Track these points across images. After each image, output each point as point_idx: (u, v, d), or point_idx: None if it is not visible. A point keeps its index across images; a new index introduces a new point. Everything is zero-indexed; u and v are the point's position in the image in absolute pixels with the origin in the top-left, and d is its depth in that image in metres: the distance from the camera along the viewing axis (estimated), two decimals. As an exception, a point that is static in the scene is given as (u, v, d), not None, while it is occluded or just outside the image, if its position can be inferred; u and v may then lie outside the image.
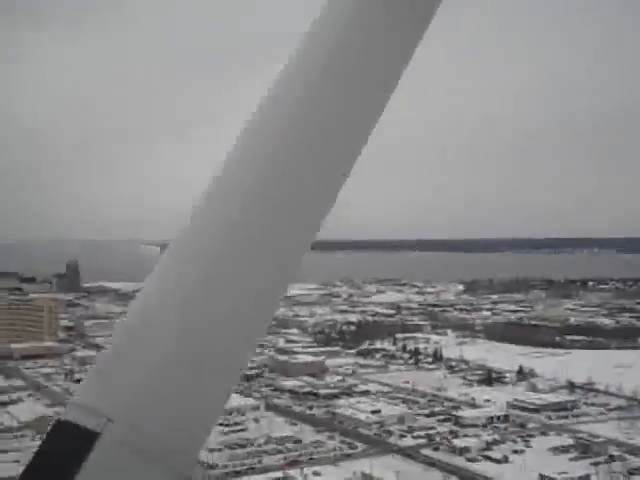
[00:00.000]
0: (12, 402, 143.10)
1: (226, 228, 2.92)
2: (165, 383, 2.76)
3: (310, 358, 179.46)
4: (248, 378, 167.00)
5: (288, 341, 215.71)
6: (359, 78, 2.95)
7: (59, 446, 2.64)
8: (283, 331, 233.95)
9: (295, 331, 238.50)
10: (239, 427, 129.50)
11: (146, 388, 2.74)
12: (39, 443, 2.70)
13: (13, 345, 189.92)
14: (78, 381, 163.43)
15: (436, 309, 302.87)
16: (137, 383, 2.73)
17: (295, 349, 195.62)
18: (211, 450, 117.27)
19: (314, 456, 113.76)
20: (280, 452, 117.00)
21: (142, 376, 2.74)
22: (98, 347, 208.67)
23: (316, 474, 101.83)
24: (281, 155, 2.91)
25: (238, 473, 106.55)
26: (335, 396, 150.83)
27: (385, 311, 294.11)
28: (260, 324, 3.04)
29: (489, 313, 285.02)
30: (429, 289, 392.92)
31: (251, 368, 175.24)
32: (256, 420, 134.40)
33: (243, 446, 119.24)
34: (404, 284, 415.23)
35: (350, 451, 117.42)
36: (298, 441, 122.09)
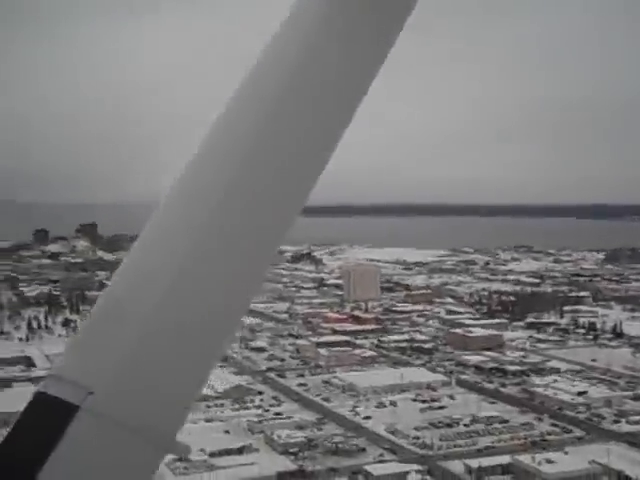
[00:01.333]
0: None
1: (209, 201, 2.86)
2: (146, 355, 2.72)
3: (487, 331, 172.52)
4: (426, 351, 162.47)
5: (449, 312, 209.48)
6: (334, 72, 2.94)
7: (38, 419, 2.60)
8: (437, 300, 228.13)
9: (450, 300, 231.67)
10: (437, 404, 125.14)
11: (126, 360, 2.70)
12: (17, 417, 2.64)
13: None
14: (253, 348, 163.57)
15: (581, 279, 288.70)
16: (117, 354, 2.69)
17: (463, 321, 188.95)
18: (417, 428, 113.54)
19: (535, 440, 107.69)
20: (491, 434, 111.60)
21: (123, 347, 2.69)
22: (255, 313, 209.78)
23: (549, 461, 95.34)
24: (255, 151, 2.89)
25: (461, 456, 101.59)
26: (524, 373, 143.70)
27: (528, 280, 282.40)
28: (244, 297, 2.99)
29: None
30: (564, 257, 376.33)
31: (424, 341, 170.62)
32: (451, 397, 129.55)
33: (449, 425, 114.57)
34: (539, 251, 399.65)
35: (567, 436, 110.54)
36: (504, 421, 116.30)
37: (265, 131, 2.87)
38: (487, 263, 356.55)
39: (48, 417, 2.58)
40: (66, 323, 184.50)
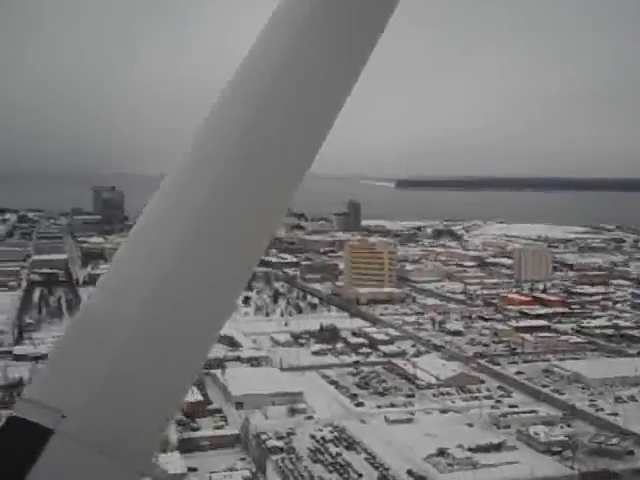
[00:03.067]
0: (415, 355, 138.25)
1: (190, 212, 2.83)
2: (121, 376, 2.69)
3: None
4: (637, 339, 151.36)
5: (635, 295, 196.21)
6: (322, 67, 2.95)
7: (10, 444, 2.55)
8: (614, 282, 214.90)
9: (624, 282, 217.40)
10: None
11: (100, 381, 2.67)
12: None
13: (360, 290, 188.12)
14: (449, 332, 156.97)
15: None
16: (90, 376, 2.67)
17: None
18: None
19: None
20: None
21: (96, 369, 2.67)
22: (428, 292, 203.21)
23: None
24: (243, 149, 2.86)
25: None
26: None
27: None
28: (219, 318, 2.94)
29: None
30: None
31: (630, 327, 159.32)
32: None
33: None
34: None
35: None
36: None
37: (248, 135, 2.83)
38: (636, 241, 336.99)
39: (21, 441, 2.53)
40: (245, 300, 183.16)
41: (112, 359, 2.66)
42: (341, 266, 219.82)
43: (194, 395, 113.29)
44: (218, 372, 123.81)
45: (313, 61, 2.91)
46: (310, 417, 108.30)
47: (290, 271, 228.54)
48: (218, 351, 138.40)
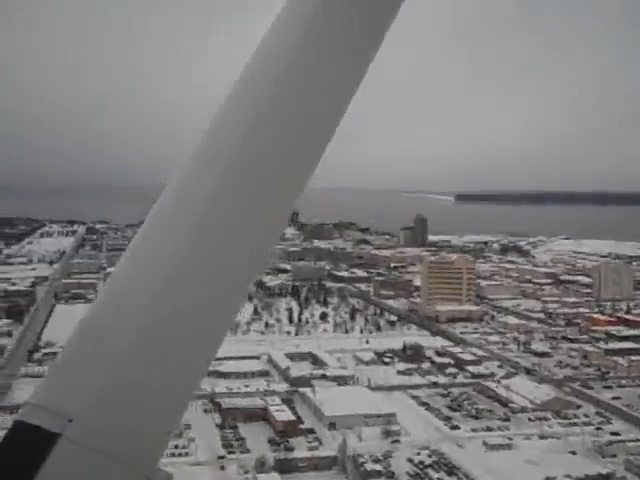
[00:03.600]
0: (505, 377, 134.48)
1: (192, 218, 2.80)
2: (126, 380, 2.68)
3: None
4: None
5: None
6: (322, 74, 2.93)
7: (17, 448, 2.56)
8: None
9: None
10: None
11: (106, 385, 2.66)
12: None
13: (439, 307, 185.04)
14: (536, 353, 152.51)
15: None
16: (97, 380, 2.66)
17: None
18: None
19: None
20: None
21: (102, 373, 2.66)
22: (505, 310, 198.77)
23: None
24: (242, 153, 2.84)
25: None
26: None
27: None
28: (226, 318, 2.92)
29: None
30: None
31: None
32: None
33: None
34: None
35: None
36: None
37: (250, 140, 2.83)
38: None
39: (28, 446, 2.55)
40: (323, 317, 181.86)
41: (116, 364, 2.65)
42: (415, 282, 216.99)
43: (286, 414, 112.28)
44: (307, 391, 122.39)
45: (315, 63, 2.88)
46: (398, 441, 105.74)
47: (362, 286, 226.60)
48: (303, 369, 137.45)
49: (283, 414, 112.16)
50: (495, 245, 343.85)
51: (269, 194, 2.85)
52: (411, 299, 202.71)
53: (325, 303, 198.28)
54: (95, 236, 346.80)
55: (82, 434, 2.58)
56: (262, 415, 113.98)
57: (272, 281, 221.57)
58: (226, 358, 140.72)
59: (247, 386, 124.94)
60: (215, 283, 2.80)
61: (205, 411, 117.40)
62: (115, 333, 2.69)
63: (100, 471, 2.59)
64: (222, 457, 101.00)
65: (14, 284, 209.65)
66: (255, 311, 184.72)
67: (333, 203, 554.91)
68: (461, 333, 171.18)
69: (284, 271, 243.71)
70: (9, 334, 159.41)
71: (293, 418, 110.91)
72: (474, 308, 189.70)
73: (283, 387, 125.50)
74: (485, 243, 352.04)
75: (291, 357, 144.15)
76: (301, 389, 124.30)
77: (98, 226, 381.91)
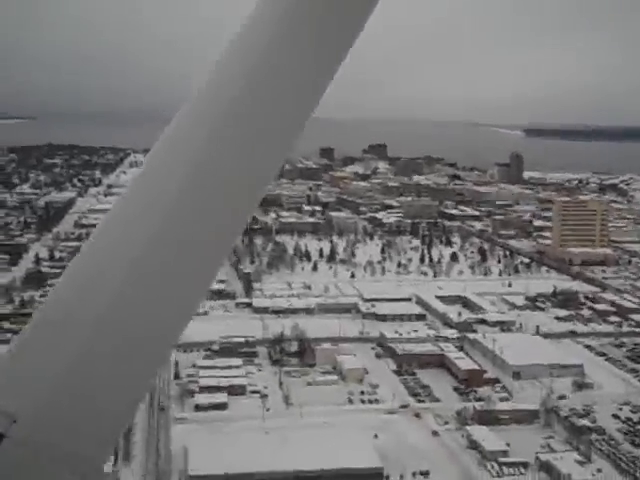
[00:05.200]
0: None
1: (160, 203, 2.75)
2: (76, 380, 2.62)
3: None
4: None
5: None
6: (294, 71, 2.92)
7: None
8: None
9: None
10: None
11: (55, 385, 2.60)
12: None
13: (571, 249, 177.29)
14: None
15: None
16: (45, 379, 2.60)
17: None
18: None
19: None
20: None
21: (51, 372, 2.60)
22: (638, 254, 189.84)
23: None
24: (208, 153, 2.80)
25: None
26: None
27: None
28: (182, 319, 2.83)
29: None
30: None
31: None
32: None
33: None
34: None
35: None
36: None
37: (221, 130, 2.80)
38: None
39: None
40: (453, 257, 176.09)
41: (69, 361, 2.57)
42: (535, 223, 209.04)
43: (466, 362, 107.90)
44: (478, 337, 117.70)
45: (287, 59, 2.87)
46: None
47: (477, 225, 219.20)
48: (459, 313, 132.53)
49: (464, 362, 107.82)
50: (592, 184, 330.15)
51: (240, 177, 2.81)
52: (539, 240, 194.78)
53: (449, 243, 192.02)
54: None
55: (26, 435, 2.50)
56: (438, 362, 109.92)
57: (385, 218, 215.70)
58: (378, 300, 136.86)
59: (416, 331, 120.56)
60: (181, 270, 2.72)
61: (377, 356, 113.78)
62: (68, 329, 2.60)
63: (44, 474, 2.53)
64: (406, 406, 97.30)
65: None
66: (382, 250, 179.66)
67: (408, 134, 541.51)
68: (603, 278, 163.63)
69: (389, 207, 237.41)
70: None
71: (476, 367, 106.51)
72: (609, 252, 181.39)
73: (450, 332, 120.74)
74: (580, 181, 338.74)
75: (441, 300, 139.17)
76: (469, 335, 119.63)
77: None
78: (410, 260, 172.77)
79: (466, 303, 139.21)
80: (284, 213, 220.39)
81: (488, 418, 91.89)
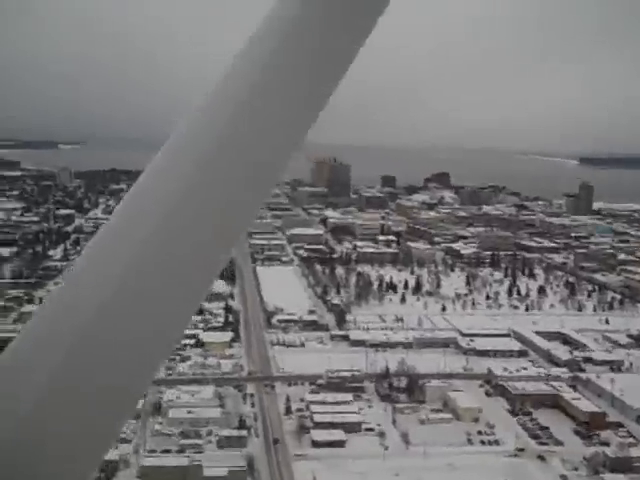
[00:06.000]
0: None
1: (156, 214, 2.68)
2: (69, 380, 2.47)
3: None
4: None
5: None
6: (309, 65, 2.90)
7: None
8: None
9: None
10: None
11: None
12: None
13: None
14: None
15: None
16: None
17: None
18: None
19: None
20: None
21: (45, 369, 2.47)
22: None
23: None
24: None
25: None
26: None
27: None
28: (184, 318, 2.72)
29: None
30: None
31: None
32: None
33: None
34: None
35: None
36: None
37: (230, 127, 2.77)
38: None
39: None
40: (541, 290, 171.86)
41: (64, 359, 2.45)
42: (620, 256, 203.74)
43: (585, 403, 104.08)
44: (591, 377, 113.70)
45: (297, 60, 2.87)
46: None
47: (555, 257, 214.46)
48: (561, 350, 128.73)
49: (582, 403, 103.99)
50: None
51: (243, 182, 2.78)
52: (625, 274, 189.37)
53: (532, 275, 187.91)
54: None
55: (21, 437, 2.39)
56: (553, 402, 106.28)
57: (463, 248, 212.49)
58: (476, 334, 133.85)
59: (525, 368, 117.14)
60: (178, 277, 2.64)
61: (487, 394, 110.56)
62: (62, 332, 2.50)
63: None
64: (521, 449, 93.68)
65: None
66: (467, 282, 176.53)
67: (462, 162, 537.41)
68: None
69: (463, 237, 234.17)
70: (232, 296, 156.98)
71: (596, 408, 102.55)
72: None
73: (559, 371, 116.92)
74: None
75: (540, 335, 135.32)
76: (580, 374, 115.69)
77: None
78: (497, 293, 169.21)
79: (566, 340, 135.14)
80: (359, 243, 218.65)
81: (623, 465, 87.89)
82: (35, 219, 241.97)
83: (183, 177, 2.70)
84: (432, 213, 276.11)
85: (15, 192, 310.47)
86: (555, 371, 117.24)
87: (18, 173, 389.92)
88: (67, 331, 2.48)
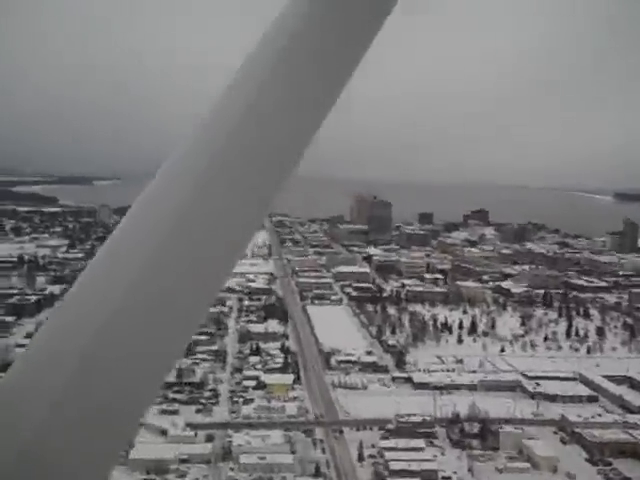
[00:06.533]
0: None
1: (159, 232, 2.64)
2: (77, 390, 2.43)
3: None
4: None
5: None
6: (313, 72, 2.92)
7: None
8: None
9: None
10: None
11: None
12: None
13: None
14: None
15: None
16: (45, 392, 2.42)
17: None
18: None
19: None
20: None
21: (52, 382, 2.42)
22: None
23: None
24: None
25: None
26: None
27: None
28: (190, 329, 2.70)
29: None
30: None
31: None
32: None
33: None
34: None
35: None
36: None
37: (235, 135, 2.77)
38: None
39: None
40: (600, 332, 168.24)
41: (73, 368, 2.41)
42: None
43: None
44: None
45: (303, 64, 2.87)
46: None
47: (607, 296, 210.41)
48: (632, 396, 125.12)
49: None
50: None
51: (250, 190, 2.78)
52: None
53: (587, 315, 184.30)
54: (281, 229, 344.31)
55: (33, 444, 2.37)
56: (633, 451, 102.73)
57: (513, 287, 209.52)
58: (541, 378, 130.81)
59: (600, 415, 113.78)
60: (182, 292, 2.61)
61: (562, 442, 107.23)
62: (64, 351, 2.45)
63: None
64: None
65: (252, 280, 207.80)
66: (522, 322, 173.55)
67: (496, 200, 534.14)
68: None
69: (509, 275, 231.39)
70: (286, 336, 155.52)
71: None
72: None
73: (635, 418, 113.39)
74: None
75: (607, 379, 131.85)
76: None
77: (276, 219, 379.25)
78: (555, 334, 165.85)
79: (633, 384, 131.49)
80: (406, 281, 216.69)
81: None
82: (80, 255, 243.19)
83: (192, 181, 2.65)
84: (475, 250, 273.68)
85: (58, 229, 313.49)
86: (630, 418, 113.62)
87: (57, 209, 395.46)
88: (70, 350, 2.43)
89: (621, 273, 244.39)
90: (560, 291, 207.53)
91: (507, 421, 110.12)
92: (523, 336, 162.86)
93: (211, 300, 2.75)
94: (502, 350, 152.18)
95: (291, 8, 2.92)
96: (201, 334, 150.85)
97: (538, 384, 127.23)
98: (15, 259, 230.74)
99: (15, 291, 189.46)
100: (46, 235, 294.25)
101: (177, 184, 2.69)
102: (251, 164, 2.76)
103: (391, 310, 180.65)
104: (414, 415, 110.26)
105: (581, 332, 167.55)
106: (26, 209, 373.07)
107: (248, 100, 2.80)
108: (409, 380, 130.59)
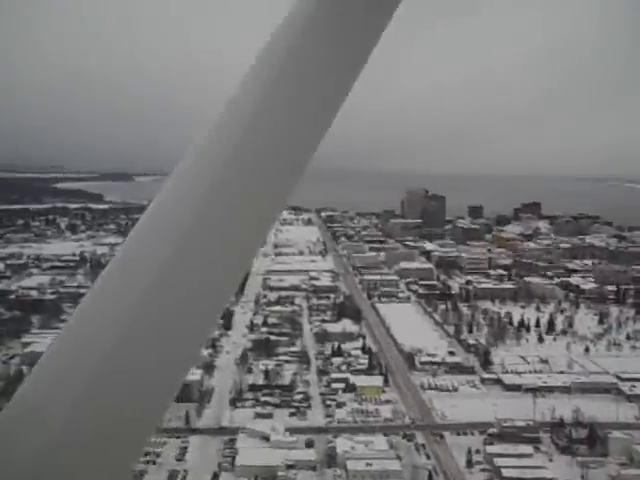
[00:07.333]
0: None
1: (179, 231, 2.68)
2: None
3: None
4: None
5: None
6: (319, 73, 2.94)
7: None
8: None
9: None
10: None
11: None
12: None
13: None
14: None
15: None
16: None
17: None
18: None
19: None
20: None
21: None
22: None
23: None
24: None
25: None
26: None
27: None
28: (201, 339, 2.72)
29: None
30: None
31: None
32: None
33: None
34: None
35: None
36: None
37: (247, 135, 2.81)
38: None
39: None
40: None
41: (93, 365, 2.44)
42: None
43: None
44: None
45: (312, 62, 2.91)
46: None
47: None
48: None
49: None
50: None
51: (264, 189, 2.81)
52: None
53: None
54: (331, 224, 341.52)
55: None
56: None
57: (582, 284, 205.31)
58: (635, 379, 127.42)
59: None
60: (196, 297, 2.63)
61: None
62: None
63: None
64: None
65: (316, 278, 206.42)
66: (600, 320, 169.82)
67: (543, 191, 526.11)
68: None
69: (574, 271, 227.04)
70: (362, 336, 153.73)
71: None
72: None
73: None
74: None
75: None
76: None
77: (325, 214, 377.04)
78: (637, 332, 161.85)
79: None
80: (469, 277, 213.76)
81: None
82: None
83: (207, 182, 2.68)
84: (532, 244, 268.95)
85: (111, 226, 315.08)
86: None
87: (105, 206, 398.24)
88: (88, 355, 2.47)
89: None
90: (631, 287, 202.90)
91: (613, 425, 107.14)
92: (603, 335, 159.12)
93: (226, 302, 2.78)
94: (586, 350, 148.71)
95: (299, 7, 2.94)
96: (279, 335, 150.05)
97: (634, 386, 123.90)
98: (77, 258, 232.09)
99: (83, 290, 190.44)
100: (102, 233, 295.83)
101: (192, 186, 2.72)
102: (265, 163, 2.79)
103: (462, 308, 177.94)
104: (516, 420, 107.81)
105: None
106: (75, 206, 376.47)
107: (259, 99, 2.83)
108: (499, 382, 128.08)
